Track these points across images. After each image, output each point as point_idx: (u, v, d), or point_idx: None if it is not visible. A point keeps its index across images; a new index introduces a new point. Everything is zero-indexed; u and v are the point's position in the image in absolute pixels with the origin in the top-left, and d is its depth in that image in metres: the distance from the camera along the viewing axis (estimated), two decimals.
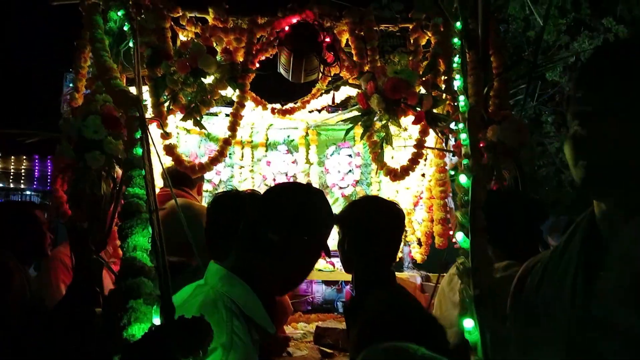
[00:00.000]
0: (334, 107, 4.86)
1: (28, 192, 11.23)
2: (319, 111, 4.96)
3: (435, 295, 2.07)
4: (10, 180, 10.84)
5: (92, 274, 1.71)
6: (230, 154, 5.40)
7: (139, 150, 1.50)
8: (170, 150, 2.70)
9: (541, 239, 1.98)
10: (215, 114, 5.28)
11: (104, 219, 1.87)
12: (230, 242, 1.25)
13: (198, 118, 2.67)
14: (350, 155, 5.42)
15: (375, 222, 1.55)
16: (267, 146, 5.56)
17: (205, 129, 2.86)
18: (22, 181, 10.94)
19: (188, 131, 5.02)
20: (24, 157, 10.89)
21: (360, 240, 1.53)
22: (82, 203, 1.91)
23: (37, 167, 10.79)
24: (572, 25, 7.26)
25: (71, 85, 2.69)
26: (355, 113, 2.81)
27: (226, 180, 5.42)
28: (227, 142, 2.77)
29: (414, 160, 2.76)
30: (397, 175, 2.74)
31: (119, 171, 2.07)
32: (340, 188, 5.39)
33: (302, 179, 5.44)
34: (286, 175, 5.41)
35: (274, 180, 5.37)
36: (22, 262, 2.15)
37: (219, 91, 2.77)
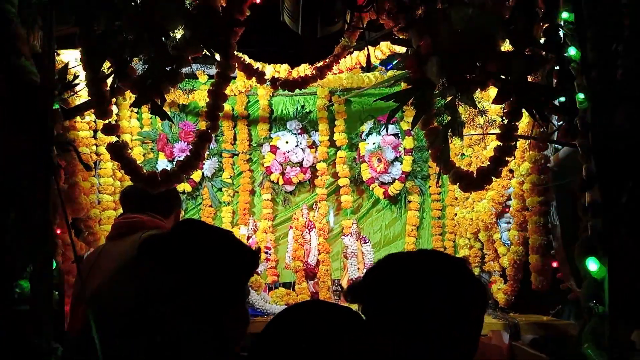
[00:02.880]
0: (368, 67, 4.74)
1: None
2: (350, 70, 4.83)
3: None
4: None
5: None
6: (216, 137, 5.34)
7: None
8: (116, 150, 2.57)
9: None
10: (194, 76, 5.18)
11: None
12: None
13: (158, 101, 2.55)
14: (397, 135, 5.32)
15: (444, 306, 1.37)
16: (270, 122, 5.49)
17: (170, 119, 2.75)
18: None
19: None
20: None
21: (415, 336, 1.35)
22: None
23: None
24: None
25: None
26: (398, 87, 2.64)
27: (212, 175, 5.40)
28: (204, 138, 2.64)
29: (499, 160, 2.56)
30: (471, 183, 2.57)
31: None
32: (382, 185, 5.31)
33: (322, 174, 5.33)
34: (300, 166, 5.33)
35: (282, 174, 5.28)
36: None
37: (190, 57, 2.64)
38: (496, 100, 2.56)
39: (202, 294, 1.45)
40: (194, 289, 1.45)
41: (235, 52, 2.77)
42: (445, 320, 1.39)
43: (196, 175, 5.30)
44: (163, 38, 2.56)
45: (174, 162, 5.14)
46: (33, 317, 1.93)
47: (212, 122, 2.72)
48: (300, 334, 1.29)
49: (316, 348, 1.26)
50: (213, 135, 2.77)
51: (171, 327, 1.38)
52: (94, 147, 4.35)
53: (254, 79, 3.58)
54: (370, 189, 5.37)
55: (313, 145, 5.43)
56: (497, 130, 2.70)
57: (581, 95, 2.36)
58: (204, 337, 1.42)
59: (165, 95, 2.71)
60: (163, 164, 5.21)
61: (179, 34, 2.63)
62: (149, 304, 1.39)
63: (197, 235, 1.56)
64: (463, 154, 4.86)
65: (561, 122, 2.61)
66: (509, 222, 4.03)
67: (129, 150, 4.50)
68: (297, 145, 5.35)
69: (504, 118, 2.66)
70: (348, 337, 1.29)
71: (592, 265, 2.11)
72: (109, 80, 2.57)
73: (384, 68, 5.14)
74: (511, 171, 3.76)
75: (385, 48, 4.20)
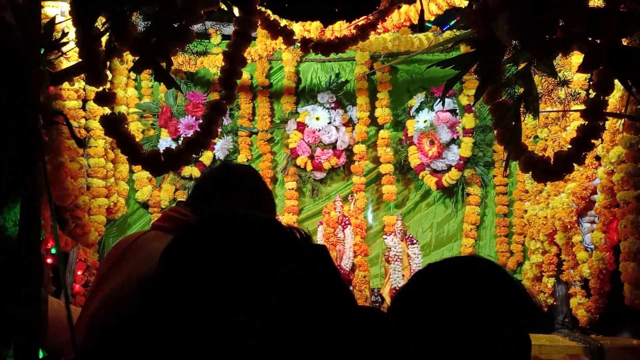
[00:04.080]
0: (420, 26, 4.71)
1: None
2: (398, 29, 4.79)
3: None
4: None
5: None
6: (231, 111, 5.39)
7: None
8: (111, 123, 2.61)
9: None
10: (206, 35, 5.20)
11: None
12: None
13: (164, 65, 2.57)
14: (454, 112, 5.30)
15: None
16: (298, 94, 5.57)
17: (178, 87, 2.77)
18: None
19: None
20: None
21: None
22: None
23: None
24: None
25: None
26: (460, 49, 2.64)
27: (225, 158, 5.46)
28: (217, 110, 2.66)
29: (583, 142, 2.53)
30: (547, 171, 2.55)
31: None
32: (434, 173, 5.30)
33: (361, 158, 5.33)
34: (333, 148, 5.34)
35: (311, 158, 5.29)
36: None
37: (202, 11, 2.66)
38: (582, 68, 2.51)
39: None
40: None
41: (258, 6, 2.77)
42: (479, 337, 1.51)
43: (206, 158, 5.36)
44: None
45: (180, 141, 5.20)
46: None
47: (228, 91, 2.73)
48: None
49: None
50: (228, 107, 2.77)
51: None
52: (83, 121, 4.42)
53: (279, 39, 3.57)
54: (420, 177, 5.36)
55: (350, 123, 5.45)
56: (581, 107, 2.67)
57: None
58: None
59: (173, 59, 2.74)
60: (166, 142, 5.27)
61: None
62: None
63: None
64: (537, 137, 4.81)
65: None
66: (593, 222, 3.98)
67: (126, 125, 4.63)
68: (330, 123, 5.36)
69: (589, 91, 2.63)
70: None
71: None
72: (104, 39, 2.59)
73: (439, 28, 5.11)
74: (598, 158, 3.71)
75: (442, 1, 4.14)
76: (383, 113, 5.37)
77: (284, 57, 5.35)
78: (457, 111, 5.27)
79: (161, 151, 2.72)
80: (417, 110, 5.33)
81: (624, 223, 3.32)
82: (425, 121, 5.24)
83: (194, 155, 2.87)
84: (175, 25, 2.63)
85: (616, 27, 2.48)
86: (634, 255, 3.26)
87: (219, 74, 2.83)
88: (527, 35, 2.49)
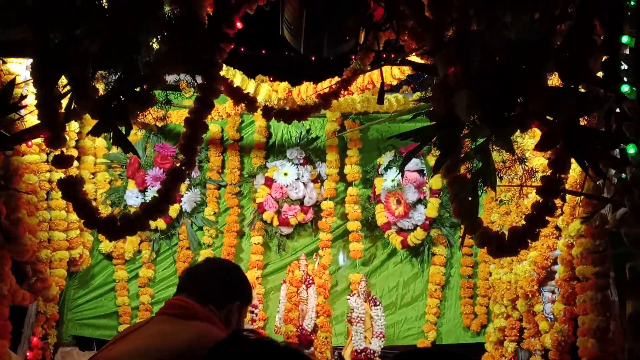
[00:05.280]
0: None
1: None
2: (362, 91, 4.81)
3: None
4: None
5: None
6: (200, 163, 5.38)
7: None
8: (67, 187, 2.58)
9: None
10: (177, 87, 5.19)
11: None
12: None
13: (123, 130, 2.58)
14: (422, 172, 5.34)
15: None
16: (267, 149, 5.56)
17: (136, 152, 2.78)
18: None
19: None
20: None
21: None
22: None
23: None
24: None
25: None
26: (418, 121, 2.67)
27: (192, 211, 5.43)
28: (176, 177, 2.66)
29: (538, 219, 2.56)
30: (501, 247, 2.55)
31: None
32: (401, 232, 5.32)
33: (328, 215, 5.34)
34: (301, 204, 5.35)
35: (278, 213, 5.28)
36: None
37: (165, 76, 2.69)
38: (539, 146, 2.54)
39: None
40: None
41: (219, 73, 2.79)
42: None
43: (173, 210, 5.31)
44: (133, 52, 2.59)
45: (146, 192, 5.18)
46: None
47: (189, 157, 2.74)
48: None
49: None
50: (185, 174, 2.78)
51: None
52: (47, 174, 4.35)
53: (242, 106, 3.61)
54: (386, 236, 5.37)
55: (318, 179, 5.46)
56: (539, 183, 2.69)
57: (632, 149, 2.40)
58: None
59: (135, 120, 2.74)
60: (133, 194, 5.25)
61: (153, 47, 2.68)
62: None
63: None
64: (501, 200, 4.83)
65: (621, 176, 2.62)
66: (553, 292, 3.98)
67: (93, 179, 4.58)
68: (298, 179, 5.36)
69: (549, 168, 2.65)
70: None
71: None
72: (64, 101, 2.60)
73: (409, 88, 5.13)
74: (558, 228, 3.72)
75: (405, 67, 4.19)
76: (352, 170, 5.39)
77: (256, 113, 5.37)
78: (425, 171, 5.30)
79: (118, 216, 2.72)
80: (386, 169, 5.36)
81: (583, 298, 3.32)
82: (393, 180, 5.25)
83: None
84: (137, 90, 2.64)
85: (574, 107, 2.52)
86: (593, 332, 3.24)
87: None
88: (485, 111, 2.52)
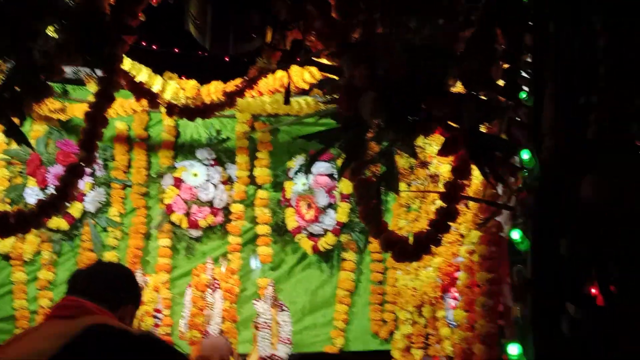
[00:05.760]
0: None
1: None
2: (272, 93, 4.80)
3: None
4: None
5: None
6: (106, 161, 5.25)
7: None
8: None
9: None
10: (79, 80, 5.03)
11: None
12: None
13: (16, 121, 2.48)
14: (332, 176, 5.33)
15: None
16: (176, 148, 5.49)
17: (29, 145, 2.69)
18: None
19: None
20: None
21: None
22: None
23: None
24: None
25: None
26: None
27: (96, 211, 5.29)
28: (74, 173, 2.59)
29: (441, 225, 2.58)
30: (404, 252, 2.57)
31: None
32: (311, 237, 5.31)
33: (238, 218, 5.29)
34: (210, 206, 5.29)
35: (187, 215, 5.23)
36: None
37: (63, 67, 2.58)
38: (442, 152, 2.56)
39: None
40: None
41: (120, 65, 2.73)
42: None
43: (75, 210, 5.15)
44: (29, 40, 2.51)
45: (47, 190, 5.01)
46: None
47: (87, 153, 2.67)
48: None
49: None
50: (83, 170, 2.70)
51: None
52: None
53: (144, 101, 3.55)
54: (296, 240, 5.34)
55: (228, 181, 5.40)
56: (442, 189, 2.72)
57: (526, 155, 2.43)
58: None
59: (30, 112, 2.66)
60: (33, 192, 5.06)
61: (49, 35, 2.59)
62: None
63: None
64: (409, 206, 4.89)
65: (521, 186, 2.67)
66: (456, 299, 4.03)
67: None
68: (208, 180, 5.30)
69: (450, 174, 2.68)
70: None
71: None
72: None
73: (320, 92, 5.15)
74: (463, 236, 3.79)
75: (316, 71, 4.21)
76: (262, 173, 5.36)
77: (163, 110, 5.27)
78: (336, 175, 5.30)
79: (11, 212, 2.61)
80: (296, 172, 5.34)
81: (477, 304, 3.38)
82: (303, 184, 5.26)
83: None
84: (32, 80, 2.57)
85: (475, 115, 2.54)
86: (482, 338, 3.30)
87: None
88: (389, 115, 2.52)
